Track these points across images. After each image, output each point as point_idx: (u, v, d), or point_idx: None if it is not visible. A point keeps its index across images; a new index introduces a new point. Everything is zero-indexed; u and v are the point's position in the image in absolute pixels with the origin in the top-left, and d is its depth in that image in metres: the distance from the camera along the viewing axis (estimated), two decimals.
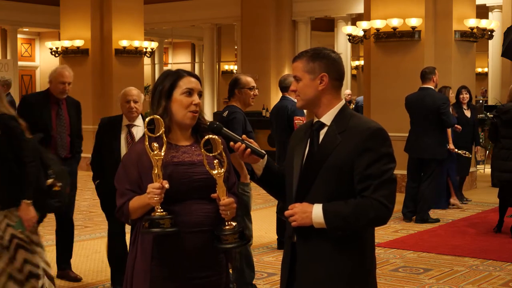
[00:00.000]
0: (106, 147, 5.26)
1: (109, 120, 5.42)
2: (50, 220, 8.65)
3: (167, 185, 2.74)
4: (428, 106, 8.27)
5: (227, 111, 5.38)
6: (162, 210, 2.75)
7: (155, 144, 2.76)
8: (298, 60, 2.73)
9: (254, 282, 5.51)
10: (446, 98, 8.56)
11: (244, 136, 2.76)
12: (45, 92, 6.04)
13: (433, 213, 8.78)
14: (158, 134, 2.79)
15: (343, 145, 2.63)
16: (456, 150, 9.09)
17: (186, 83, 2.90)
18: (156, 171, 2.74)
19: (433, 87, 8.42)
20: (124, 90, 5.30)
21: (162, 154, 2.76)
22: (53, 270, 6.14)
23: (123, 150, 5.15)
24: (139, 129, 5.22)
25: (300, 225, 2.62)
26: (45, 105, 5.87)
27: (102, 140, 5.33)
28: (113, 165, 5.12)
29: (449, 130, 8.97)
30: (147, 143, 2.75)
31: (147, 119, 2.80)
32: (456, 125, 9.04)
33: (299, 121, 6.49)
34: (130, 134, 5.24)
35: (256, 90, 5.47)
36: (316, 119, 2.75)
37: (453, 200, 9.52)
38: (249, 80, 5.41)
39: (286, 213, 2.66)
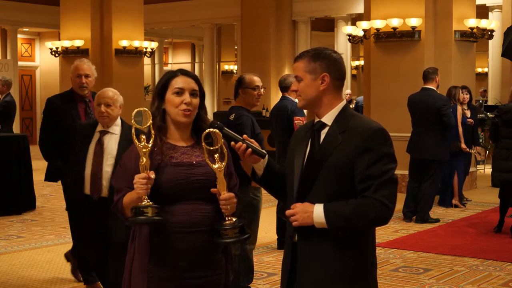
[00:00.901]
0: (76, 156, 4.72)
1: (84, 126, 4.86)
2: (50, 220, 8.69)
3: (153, 176, 2.75)
4: (430, 107, 8.27)
5: (233, 114, 5.19)
6: (148, 200, 2.76)
7: (143, 136, 2.77)
8: (299, 60, 2.73)
9: (254, 282, 5.51)
10: (447, 100, 8.55)
11: (245, 135, 2.76)
12: (69, 91, 5.62)
13: (433, 213, 8.79)
14: (145, 126, 2.79)
15: (344, 145, 2.63)
16: (468, 149, 9.16)
17: (178, 82, 2.89)
18: (143, 162, 2.75)
19: (435, 88, 8.42)
20: (100, 91, 4.73)
21: (149, 145, 2.76)
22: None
23: (89, 161, 4.57)
24: (113, 137, 4.61)
25: (301, 224, 2.62)
26: (72, 105, 5.46)
27: (75, 148, 4.77)
28: (77, 180, 4.59)
29: (460, 130, 9.07)
30: (134, 135, 2.76)
31: (134, 112, 2.81)
32: (468, 119, 9.20)
33: (298, 121, 6.48)
34: (100, 143, 4.59)
35: (262, 90, 5.27)
36: (317, 119, 2.75)
37: (455, 201, 9.54)
38: (254, 79, 5.22)
39: (287, 212, 2.66)
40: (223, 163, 2.77)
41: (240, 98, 5.27)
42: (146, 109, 2.82)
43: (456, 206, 9.50)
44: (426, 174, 8.46)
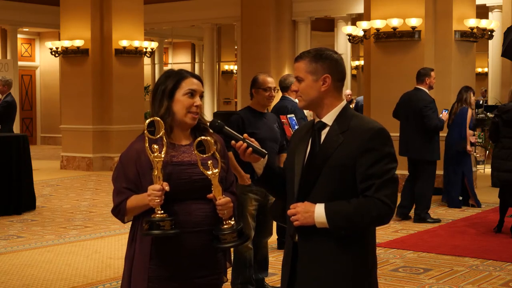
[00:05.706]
0: None
1: None
2: (50, 220, 8.69)
3: (167, 188, 2.75)
4: (415, 107, 8.32)
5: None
6: (162, 212, 2.75)
7: (155, 146, 2.76)
8: (301, 60, 2.72)
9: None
10: (430, 101, 8.41)
11: (245, 135, 2.77)
12: None
13: (433, 213, 8.79)
14: (158, 136, 2.79)
15: (345, 145, 2.63)
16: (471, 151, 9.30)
17: (189, 84, 2.91)
18: (156, 173, 2.75)
19: (425, 89, 8.41)
20: None
21: (162, 155, 2.76)
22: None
23: None
24: None
25: (303, 224, 2.62)
26: None
27: None
28: None
29: (468, 132, 9.14)
30: (147, 145, 2.76)
31: (147, 121, 2.80)
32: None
33: (285, 120, 6.47)
34: None
35: (274, 91, 5.30)
36: (317, 119, 2.75)
37: (471, 201, 9.58)
38: (266, 80, 5.27)
39: (289, 212, 2.66)
40: (217, 170, 2.79)
41: (253, 98, 5.34)
42: (159, 118, 2.81)
43: (473, 205, 9.53)
44: (418, 173, 8.47)
